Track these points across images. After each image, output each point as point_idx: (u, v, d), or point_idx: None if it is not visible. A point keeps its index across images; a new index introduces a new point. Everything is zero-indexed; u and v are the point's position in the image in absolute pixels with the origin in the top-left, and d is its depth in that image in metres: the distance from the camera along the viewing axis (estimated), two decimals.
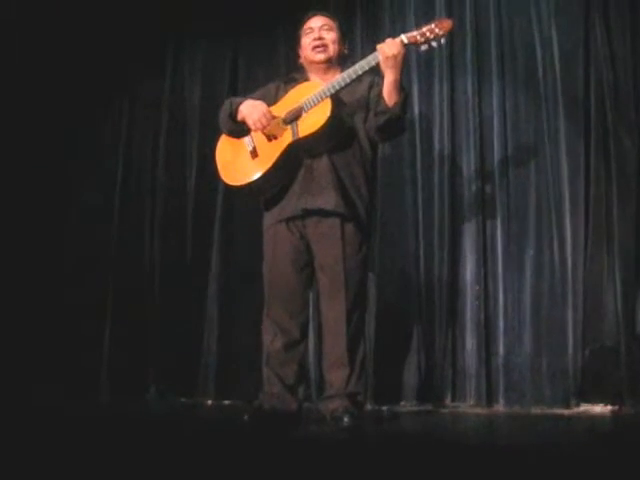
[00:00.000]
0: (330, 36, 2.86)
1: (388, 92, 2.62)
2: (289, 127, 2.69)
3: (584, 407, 3.27)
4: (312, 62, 2.88)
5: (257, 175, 2.71)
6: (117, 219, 4.23)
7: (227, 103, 2.88)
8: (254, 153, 2.75)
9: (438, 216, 3.67)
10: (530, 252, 3.49)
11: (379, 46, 2.62)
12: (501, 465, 1.87)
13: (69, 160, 4.31)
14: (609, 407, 3.22)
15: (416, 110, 3.80)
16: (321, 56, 2.85)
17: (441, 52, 3.76)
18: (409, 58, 3.81)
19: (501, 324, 3.50)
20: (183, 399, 3.87)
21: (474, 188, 3.65)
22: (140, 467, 1.92)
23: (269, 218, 2.81)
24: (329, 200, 2.66)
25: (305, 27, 2.90)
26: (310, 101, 2.67)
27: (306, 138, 2.64)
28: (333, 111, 2.61)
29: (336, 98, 2.67)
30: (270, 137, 2.73)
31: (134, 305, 4.08)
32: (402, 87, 2.65)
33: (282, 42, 4.09)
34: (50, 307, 4.09)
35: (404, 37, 2.59)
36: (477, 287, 3.56)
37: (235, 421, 2.90)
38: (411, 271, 3.68)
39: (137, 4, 4.21)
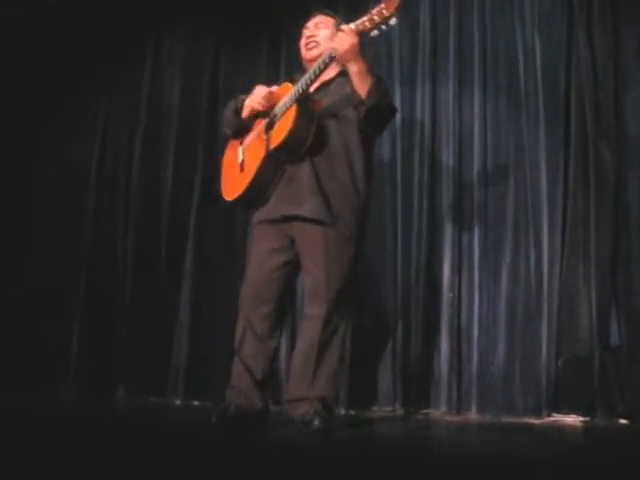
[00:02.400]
0: (323, 33, 2.82)
1: (357, 84, 2.57)
2: (265, 138, 2.69)
3: (555, 417, 3.27)
4: (307, 60, 2.84)
5: (240, 191, 2.75)
6: (90, 215, 4.14)
7: (232, 102, 2.89)
8: (242, 166, 2.78)
9: (416, 221, 3.65)
10: (507, 260, 3.49)
11: (332, 45, 2.58)
12: (464, 474, 1.85)
13: (42, 151, 4.23)
14: (580, 418, 3.22)
15: (397, 115, 3.77)
16: (312, 53, 2.81)
17: (424, 58, 3.76)
18: (392, 62, 3.82)
19: (475, 332, 3.49)
20: (152, 399, 3.80)
21: (453, 194, 3.63)
22: (102, 470, 1.86)
23: (255, 217, 2.81)
24: (306, 207, 2.62)
25: (304, 28, 2.89)
26: (280, 108, 2.67)
27: (276, 149, 2.63)
28: (297, 119, 2.57)
29: (303, 103, 2.63)
30: (253, 149, 2.74)
31: (105, 302, 4.00)
32: (371, 73, 2.57)
33: (265, 41, 4.06)
34: (18, 303, 4.00)
35: (353, 26, 2.52)
36: (451, 294, 3.54)
37: (203, 423, 2.84)
38: (388, 275, 3.66)
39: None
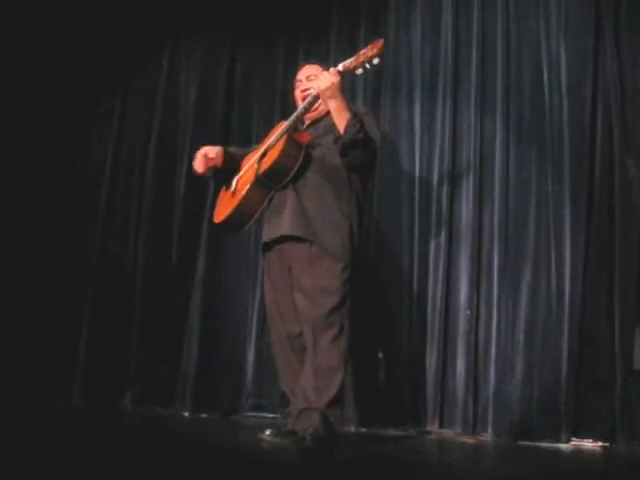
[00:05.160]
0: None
1: (336, 120, 2.73)
2: (256, 167, 2.85)
3: (574, 442, 3.15)
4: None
5: (228, 212, 2.89)
6: (102, 219, 4.12)
7: None
8: (233, 193, 2.94)
9: (434, 236, 3.58)
10: (527, 278, 3.38)
11: (314, 83, 2.80)
12: None
13: (56, 154, 4.23)
14: (600, 443, 3.10)
15: (417, 126, 3.71)
16: None
17: (446, 68, 3.68)
18: (413, 85, 3.75)
19: (493, 351, 3.38)
20: (159, 409, 3.73)
21: (472, 210, 3.54)
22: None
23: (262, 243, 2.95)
24: (285, 226, 2.77)
25: (296, 78, 3.06)
26: (272, 141, 2.86)
27: (263, 174, 2.79)
28: (285, 148, 2.76)
29: (292, 135, 2.82)
30: (245, 177, 2.90)
31: (114, 307, 3.97)
32: (348, 110, 2.71)
33: (281, 45, 4.03)
34: (26, 305, 3.98)
35: (340, 66, 2.72)
36: (468, 312, 3.44)
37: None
38: (404, 291, 3.58)
39: (136, 1, 4.15)
